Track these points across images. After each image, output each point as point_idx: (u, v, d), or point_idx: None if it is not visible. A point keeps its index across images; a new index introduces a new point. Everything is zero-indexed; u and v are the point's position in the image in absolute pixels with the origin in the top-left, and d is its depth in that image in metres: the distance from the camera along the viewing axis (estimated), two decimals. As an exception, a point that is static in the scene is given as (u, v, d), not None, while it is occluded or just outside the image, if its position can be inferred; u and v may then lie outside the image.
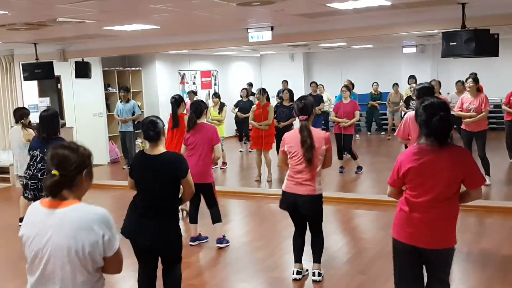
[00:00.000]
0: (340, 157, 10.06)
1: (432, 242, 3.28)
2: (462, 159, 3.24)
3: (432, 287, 3.46)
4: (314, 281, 4.99)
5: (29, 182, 6.05)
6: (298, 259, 5.08)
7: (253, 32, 7.83)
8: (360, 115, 13.02)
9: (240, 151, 13.17)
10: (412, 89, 10.46)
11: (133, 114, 11.00)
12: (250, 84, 13.65)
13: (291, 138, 4.81)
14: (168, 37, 8.67)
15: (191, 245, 6.15)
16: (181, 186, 4.03)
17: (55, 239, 2.32)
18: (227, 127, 12.13)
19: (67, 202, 2.37)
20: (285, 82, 13.09)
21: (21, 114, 7.51)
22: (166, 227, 3.92)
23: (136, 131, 11.36)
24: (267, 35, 7.79)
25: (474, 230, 6.60)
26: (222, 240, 6.14)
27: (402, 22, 7.12)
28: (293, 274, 5.07)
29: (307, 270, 5.14)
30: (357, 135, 13.96)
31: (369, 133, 14.85)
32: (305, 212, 4.82)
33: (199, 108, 6.04)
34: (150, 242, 3.92)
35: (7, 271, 5.67)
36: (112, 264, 2.46)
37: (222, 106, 11.04)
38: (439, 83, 9.53)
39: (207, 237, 6.30)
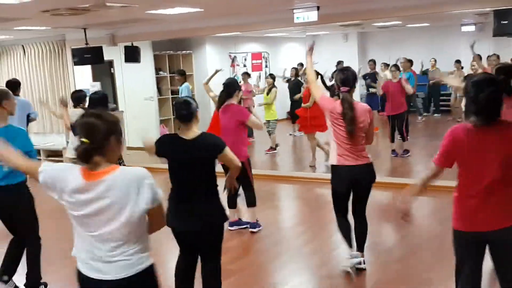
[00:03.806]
0: (392, 140, 9.77)
1: (494, 223, 3.05)
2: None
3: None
4: (358, 269, 4.82)
5: None
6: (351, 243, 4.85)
7: (298, 13, 7.63)
8: (417, 96, 12.67)
9: (290, 134, 13.00)
10: (473, 67, 10.00)
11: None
12: (301, 65, 13.44)
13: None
14: (214, 20, 8.61)
15: (229, 229, 6.10)
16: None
17: (110, 201, 2.41)
18: (279, 110, 12.03)
19: (110, 168, 2.45)
20: (339, 63, 12.81)
21: (78, 97, 7.36)
22: (211, 210, 3.83)
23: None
24: (313, 15, 7.55)
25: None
26: (255, 224, 6.07)
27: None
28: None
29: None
30: (420, 117, 13.54)
31: (425, 114, 14.32)
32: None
33: (231, 87, 5.92)
34: (194, 228, 3.80)
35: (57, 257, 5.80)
36: (157, 215, 2.57)
37: (270, 88, 10.91)
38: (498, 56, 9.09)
39: (248, 223, 6.23)
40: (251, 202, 6.01)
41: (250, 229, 6.07)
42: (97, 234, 2.46)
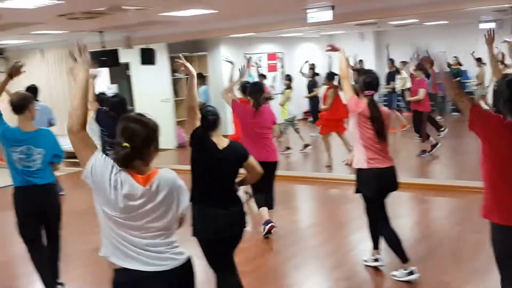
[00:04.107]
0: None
1: None
2: None
3: None
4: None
5: None
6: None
7: (312, 13, 7.58)
8: (435, 94, 12.53)
9: (311, 136, 12.88)
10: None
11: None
12: (312, 65, 13.44)
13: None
14: (228, 21, 8.62)
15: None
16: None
17: (160, 199, 2.53)
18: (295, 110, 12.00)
19: (153, 171, 2.56)
20: (360, 62, 12.76)
21: (100, 100, 7.33)
22: (240, 215, 3.87)
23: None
24: (327, 15, 7.46)
25: None
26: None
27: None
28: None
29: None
30: (440, 117, 13.39)
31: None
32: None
33: (263, 89, 6.12)
34: (231, 233, 3.81)
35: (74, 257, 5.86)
36: (182, 218, 2.72)
37: (285, 89, 10.91)
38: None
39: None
40: (273, 204, 6.00)
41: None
42: (145, 232, 2.51)
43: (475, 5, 7.32)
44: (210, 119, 3.77)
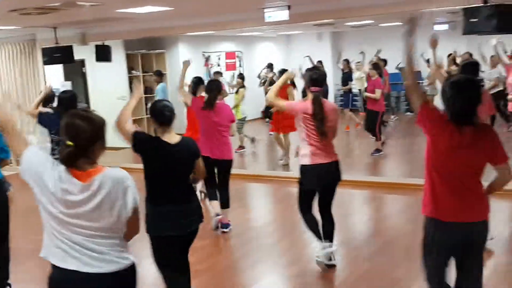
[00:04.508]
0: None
1: None
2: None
3: None
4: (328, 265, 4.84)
5: None
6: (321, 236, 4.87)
7: (269, 12, 7.63)
8: (388, 95, 12.79)
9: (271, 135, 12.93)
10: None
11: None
12: (270, 65, 13.50)
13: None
14: (185, 19, 8.56)
15: (224, 231, 6.01)
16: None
17: (101, 199, 2.40)
18: (253, 109, 12.07)
19: (97, 169, 2.43)
20: (319, 62, 12.90)
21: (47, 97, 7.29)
22: (197, 210, 3.87)
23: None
24: (284, 15, 7.55)
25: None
26: (228, 225, 6.02)
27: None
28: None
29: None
30: (393, 116, 13.66)
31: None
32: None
33: (219, 86, 6.10)
34: (188, 228, 3.79)
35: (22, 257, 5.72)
36: (134, 222, 2.57)
37: (239, 88, 10.95)
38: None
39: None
40: (228, 202, 6.00)
41: (223, 229, 6.03)
42: (86, 230, 2.42)
43: (428, 6, 7.49)
44: (167, 115, 3.73)
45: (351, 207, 6.96)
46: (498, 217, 6.15)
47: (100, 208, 2.41)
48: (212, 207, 6.05)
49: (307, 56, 11.60)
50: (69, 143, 2.38)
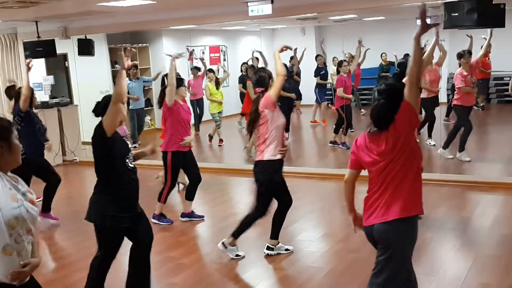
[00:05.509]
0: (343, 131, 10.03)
1: None
2: None
3: None
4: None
5: None
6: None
7: (253, 6, 7.63)
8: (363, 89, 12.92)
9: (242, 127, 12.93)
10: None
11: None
12: (256, 59, 13.44)
13: None
14: (168, 12, 8.52)
15: (182, 220, 6.25)
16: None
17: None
18: (234, 105, 12.08)
19: None
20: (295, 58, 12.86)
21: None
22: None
23: (146, 108, 11.44)
24: (267, 9, 7.56)
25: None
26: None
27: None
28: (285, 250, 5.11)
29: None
30: (363, 110, 13.75)
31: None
32: None
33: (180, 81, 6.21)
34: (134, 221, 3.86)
35: None
36: None
37: (218, 81, 10.94)
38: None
39: (202, 216, 6.28)
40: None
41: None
42: None
43: (410, 1, 7.55)
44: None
45: (334, 200, 6.99)
46: (487, 211, 6.25)
47: None
48: (187, 204, 6.37)
49: (258, 51, 10.81)
50: None
